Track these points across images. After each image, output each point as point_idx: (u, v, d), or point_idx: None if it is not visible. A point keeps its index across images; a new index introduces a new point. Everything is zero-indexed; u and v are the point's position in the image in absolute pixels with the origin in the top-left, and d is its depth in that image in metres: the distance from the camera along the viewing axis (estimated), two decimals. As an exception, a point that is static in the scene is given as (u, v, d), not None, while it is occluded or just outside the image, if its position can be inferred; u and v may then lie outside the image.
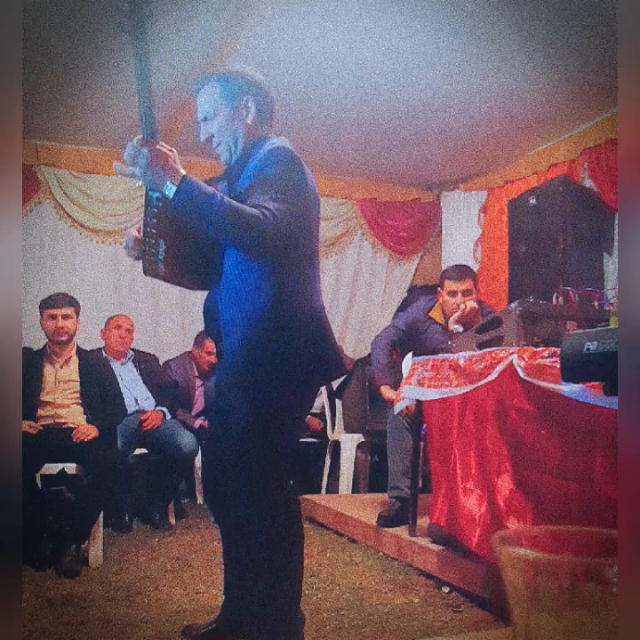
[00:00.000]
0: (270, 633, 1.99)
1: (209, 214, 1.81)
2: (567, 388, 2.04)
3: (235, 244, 1.91)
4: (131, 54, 1.81)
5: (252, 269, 1.95)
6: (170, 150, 1.84)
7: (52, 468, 3.40)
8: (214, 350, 4.49)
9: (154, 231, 1.99)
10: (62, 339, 3.63)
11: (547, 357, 2.20)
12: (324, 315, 2.05)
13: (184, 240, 2.04)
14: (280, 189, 1.87)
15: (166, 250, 2.00)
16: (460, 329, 3.39)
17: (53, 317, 3.62)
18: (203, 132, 2.09)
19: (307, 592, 2.70)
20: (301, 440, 5.04)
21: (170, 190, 1.79)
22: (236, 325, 1.97)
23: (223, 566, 2.24)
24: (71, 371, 3.67)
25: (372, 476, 5.03)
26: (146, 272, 2.07)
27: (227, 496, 2.03)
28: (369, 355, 4.49)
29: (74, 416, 3.58)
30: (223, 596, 2.24)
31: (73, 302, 3.70)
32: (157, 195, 1.93)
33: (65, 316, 3.63)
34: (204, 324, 2.22)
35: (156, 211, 1.97)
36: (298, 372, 1.96)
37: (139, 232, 2.07)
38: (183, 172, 1.81)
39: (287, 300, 1.94)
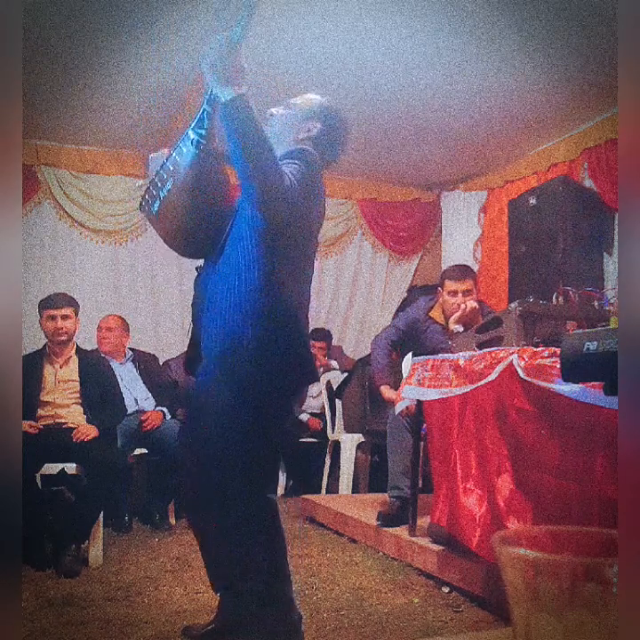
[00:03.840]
0: (270, 633, 1.99)
1: (248, 137, 1.76)
2: (567, 388, 2.04)
3: (253, 181, 1.80)
4: None
5: (246, 252, 1.92)
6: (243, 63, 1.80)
7: (51, 468, 3.40)
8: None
9: (171, 168, 1.92)
10: (61, 339, 3.63)
11: (547, 357, 2.20)
12: (305, 318, 2.03)
13: (191, 196, 1.95)
14: (298, 173, 1.87)
15: (170, 191, 1.93)
16: (460, 329, 3.39)
17: (52, 318, 3.62)
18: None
19: (307, 592, 2.70)
20: (301, 440, 5.05)
21: (228, 94, 1.74)
22: (219, 306, 1.93)
23: (206, 568, 2.22)
24: (71, 371, 3.67)
25: (372, 476, 5.03)
26: (141, 207, 2.03)
27: (203, 496, 2.02)
28: (369, 355, 4.49)
29: (74, 416, 3.58)
30: (219, 597, 2.24)
31: (72, 302, 3.70)
32: (196, 137, 1.88)
33: (64, 317, 3.63)
34: (193, 307, 2.15)
35: (184, 150, 1.90)
36: (276, 371, 1.92)
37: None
38: (245, 89, 1.77)
39: (275, 289, 1.91)
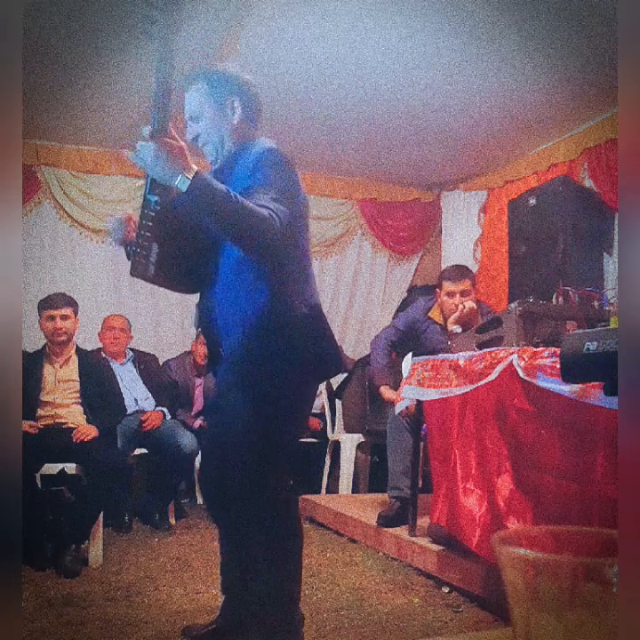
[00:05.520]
0: (270, 633, 1.99)
1: (221, 210, 1.77)
2: (567, 388, 2.04)
3: (242, 243, 1.87)
4: (157, 37, 1.76)
5: (247, 272, 1.95)
6: (179, 143, 1.79)
7: (51, 468, 3.40)
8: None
9: (148, 234, 1.97)
10: (61, 339, 3.63)
11: (547, 357, 2.20)
12: (321, 312, 2.05)
13: (179, 243, 2.02)
14: (279, 191, 1.87)
15: (159, 253, 1.98)
16: (459, 330, 3.39)
17: (51, 318, 3.62)
18: (189, 131, 2.10)
19: (307, 592, 2.70)
20: (301, 440, 5.04)
21: (182, 184, 1.74)
22: (234, 327, 1.97)
23: (220, 566, 2.24)
24: (71, 371, 3.67)
25: (372, 476, 5.03)
26: (133, 273, 2.06)
27: (226, 495, 2.04)
28: (369, 355, 4.50)
29: (74, 416, 3.58)
30: (222, 597, 2.24)
31: (71, 302, 3.70)
32: (156, 198, 1.92)
33: (63, 317, 3.62)
34: (200, 328, 2.21)
35: (152, 214, 1.95)
36: (297, 370, 1.96)
37: (129, 221, 2.07)
38: (195, 166, 1.77)
39: (284, 299, 1.94)
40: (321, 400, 5.09)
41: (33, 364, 3.59)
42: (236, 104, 2.06)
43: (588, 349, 1.50)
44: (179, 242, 2.02)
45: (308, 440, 5.04)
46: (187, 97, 2.10)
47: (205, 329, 2.14)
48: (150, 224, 1.96)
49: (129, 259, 2.08)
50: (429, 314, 3.88)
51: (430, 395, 2.93)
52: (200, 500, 4.70)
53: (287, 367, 1.94)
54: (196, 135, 2.09)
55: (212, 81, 2.07)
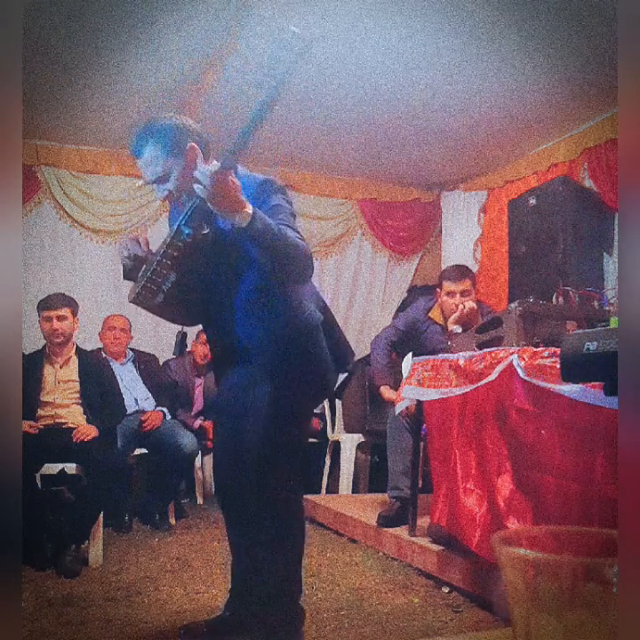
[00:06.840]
0: (271, 633, 2.00)
1: (272, 245, 1.85)
2: (567, 388, 2.04)
3: (287, 270, 1.95)
4: (280, 79, 1.78)
5: (268, 293, 2.02)
6: (238, 182, 1.82)
7: (51, 468, 3.40)
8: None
9: (169, 262, 1.99)
10: (58, 340, 3.61)
11: (547, 357, 2.20)
12: (328, 311, 2.17)
13: (193, 276, 2.05)
14: (292, 215, 1.98)
15: (175, 282, 2.01)
16: (459, 330, 3.39)
17: (49, 319, 3.61)
18: (159, 191, 2.08)
19: (307, 592, 2.69)
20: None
21: (242, 220, 1.79)
22: (262, 344, 2.04)
23: (232, 564, 2.25)
24: (71, 371, 3.67)
25: (372, 476, 5.03)
26: (136, 300, 2.08)
27: (237, 495, 2.06)
28: (369, 355, 4.50)
29: (74, 416, 3.58)
30: (229, 594, 2.25)
31: (69, 302, 3.68)
32: (189, 231, 1.95)
33: (60, 317, 3.60)
34: (216, 353, 2.28)
35: (180, 244, 1.97)
36: (323, 371, 2.08)
37: (139, 243, 2.11)
38: (248, 203, 1.82)
39: (302, 310, 2.04)
40: (321, 400, 5.09)
41: (33, 364, 3.58)
42: (193, 146, 2.04)
43: (588, 349, 1.50)
44: (193, 275, 2.05)
45: (308, 440, 5.04)
46: (142, 162, 2.06)
47: (227, 349, 2.17)
48: (175, 254, 1.98)
49: (126, 277, 2.15)
50: (429, 314, 3.88)
51: (430, 395, 2.93)
52: (200, 500, 4.70)
53: (316, 370, 2.06)
54: (167, 194, 2.07)
55: (162, 138, 2.02)
